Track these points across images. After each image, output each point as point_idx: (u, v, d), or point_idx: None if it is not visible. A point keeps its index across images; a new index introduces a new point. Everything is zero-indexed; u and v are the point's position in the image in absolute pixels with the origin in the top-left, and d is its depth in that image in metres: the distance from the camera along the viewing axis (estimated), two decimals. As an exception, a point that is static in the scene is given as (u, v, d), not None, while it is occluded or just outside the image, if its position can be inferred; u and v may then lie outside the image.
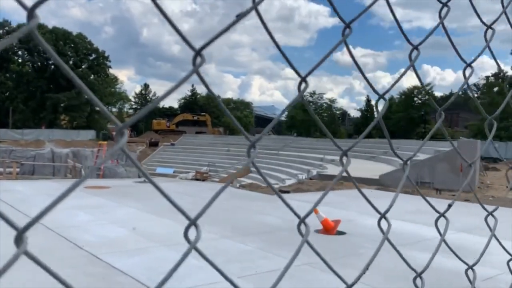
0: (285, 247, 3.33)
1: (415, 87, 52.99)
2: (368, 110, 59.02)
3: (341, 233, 7.28)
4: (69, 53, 60.54)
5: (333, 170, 20.28)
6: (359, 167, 16.80)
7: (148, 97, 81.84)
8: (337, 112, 67.16)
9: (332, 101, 64.82)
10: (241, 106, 76.43)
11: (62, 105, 55.51)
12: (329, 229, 7.38)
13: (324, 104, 65.60)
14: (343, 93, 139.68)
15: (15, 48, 63.93)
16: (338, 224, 7.40)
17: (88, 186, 10.53)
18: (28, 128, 47.18)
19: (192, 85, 70.87)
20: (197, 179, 24.04)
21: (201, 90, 70.75)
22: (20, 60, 62.67)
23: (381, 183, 16.09)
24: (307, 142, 37.61)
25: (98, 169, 22.43)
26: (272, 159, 29.74)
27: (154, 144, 46.54)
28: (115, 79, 73.50)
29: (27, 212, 2.55)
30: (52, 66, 57.93)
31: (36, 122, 52.51)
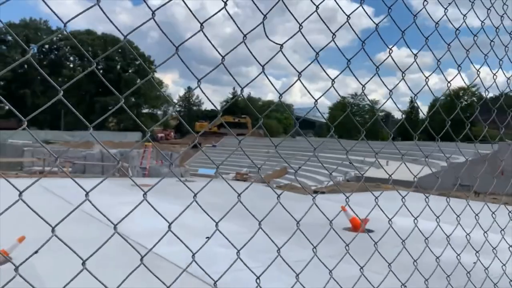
0: (311, 240, 3.64)
1: (460, 88, 51.14)
2: (411, 111, 57.57)
3: (369, 231, 7.49)
4: (116, 58, 63.24)
5: (372, 172, 20.15)
6: (399, 169, 16.61)
7: (191, 100, 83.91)
8: (380, 113, 66.00)
9: (375, 102, 63.75)
10: (281, 108, 76.72)
11: (110, 108, 58.11)
12: (357, 226, 7.59)
13: (366, 106, 64.56)
14: (387, 94, 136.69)
15: (67, 54, 67.55)
16: (366, 222, 7.59)
17: (134, 184, 11.26)
18: (79, 130, 49.78)
19: (233, 88, 71.93)
20: (237, 180, 24.59)
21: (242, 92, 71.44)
22: (71, 66, 66.13)
23: (418, 186, 15.96)
24: (347, 144, 37.30)
25: (144, 168, 23.52)
26: (311, 161, 29.84)
27: (196, 146, 47.75)
28: (160, 83, 75.92)
29: (81, 206, 3.01)
30: (101, 71, 60.68)
31: (87, 123, 54.99)
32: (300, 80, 2.46)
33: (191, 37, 2.16)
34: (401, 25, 2.82)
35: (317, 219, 3.64)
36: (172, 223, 2.12)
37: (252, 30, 2.25)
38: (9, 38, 59.61)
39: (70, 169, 23.17)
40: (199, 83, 2.06)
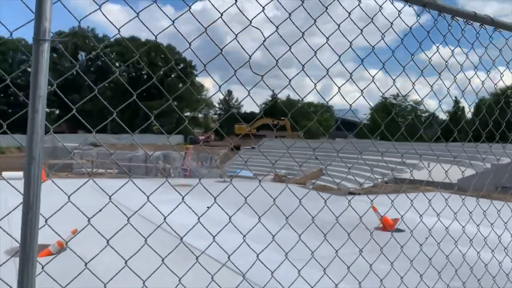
0: (337, 239, 3.82)
1: (508, 87, 48.66)
2: (456, 112, 55.51)
3: (399, 230, 7.56)
4: (160, 63, 65.21)
5: (413, 174, 19.76)
6: (441, 171, 16.22)
7: (231, 103, 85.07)
8: (423, 114, 64.06)
9: (418, 103, 61.99)
10: (321, 110, 76.08)
11: (153, 112, 59.87)
12: (388, 226, 7.67)
13: (409, 107, 62.94)
14: (431, 94, 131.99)
15: (114, 60, 70.36)
16: (397, 222, 7.66)
17: (175, 184, 11.94)
18: (124, 133, 51.82)
19: (273, 90, 72.21)
20: (275, 181, 24.80)
21: (281, 95, 71.70)
22: (117, 71, 68.93)
23: (458, 188, 15.61)
24: (388, 146, 36.62)
25: (185, 170, 24.29)
26: (351, 163, 29.54)
27: (236, 148, 48.39)
28: (201, 87, 77.50)
29: (128, 204, 3.32)
30: (145, 76, 62.85)
31: (131, 128, 57.26)
32: (306, 75, 2.65)
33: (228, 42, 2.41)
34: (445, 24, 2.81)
35: (345, 218, 3.81)
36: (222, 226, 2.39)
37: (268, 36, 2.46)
38: (60, 46, 62.67)
39: (116, 170, 24.33)
40: (221, 87, 2.31)
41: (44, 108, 1.47)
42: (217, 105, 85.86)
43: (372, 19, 2.61)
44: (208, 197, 3.28)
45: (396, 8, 2.62)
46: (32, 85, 1.46)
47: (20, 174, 18.11)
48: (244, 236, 2.93)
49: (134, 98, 2.16)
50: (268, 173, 31.26)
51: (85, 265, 2.16)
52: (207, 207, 2.89)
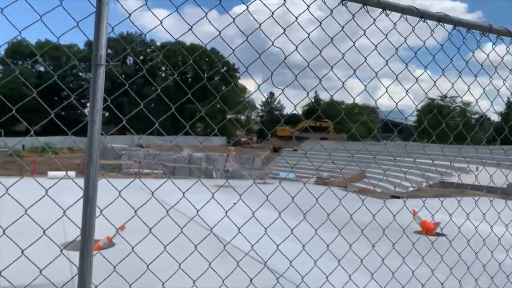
0: (374, 241, 3.76)
1: None
2: (508, 113, 52.67)
3: (440, 234, 7.40)
4: (204, 66, 66.48)
5: (460, 178, 18.97)
6: (489, 175, 15.48)
7: (273, 105, 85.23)
8: (473, 116, 61.24)
9: (467, 104, 59.31)
10: (366, 111, 74.53)
11: (197, 114, 61.12)
12: (428, 230, 7.50)
13: (457, 108, 60.51)
14: (483, 94, 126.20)
15: (160, 64, 72.49)
16: (437, 226, 7.47)
17: (216, 185, 12.23)
18: (169, 135, 53.23)
19: (315, 92, 71.60)
20: (318, 184, 24.61)
21: (324, 96, 71.03)
22: (163, 75, 70.85)
23: (507, 192, 14.97)
24: (436, 149, 35.36)
25: (227, 171, 24.67)
26: (397, 166, 28.76)
27: (277, 150, 48.43)
28: (244, 89, 78.21)
29: (171, 203, 3.45)
30: (190, 79, 64.29)
31: (176, 130, 59.00)
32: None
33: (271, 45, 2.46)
34: (499, 20, 2.75)
35: (384, 220, 3.74)
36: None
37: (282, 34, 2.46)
38: (109, 51, 65.64)
39: (161, 171, 25.13)
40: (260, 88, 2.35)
41: (100, 119, 1.75)
42: (259, 107, 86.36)
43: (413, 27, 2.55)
44: (249, 198, 3.33)
45: (410, 25, 2.55)
46: (91, 101, 1.73)
47: (70, 173, 19.06)
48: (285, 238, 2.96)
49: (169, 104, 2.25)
50: (311, 175, 31.05)
51: (132, 249, 2.27)
52: (233, 203, 2.94)
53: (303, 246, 3.19)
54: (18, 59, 65.42)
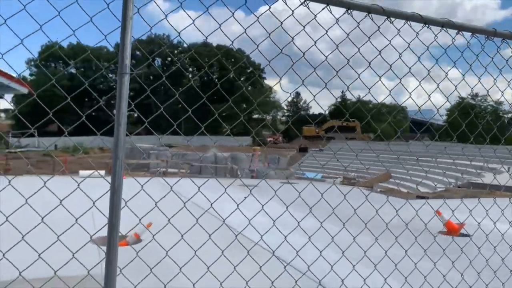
0: (406, 242, 3.74)
1: None
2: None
3: (465, 235, 7.30)
4: (230, 67, 66.83)
5: (490, 179, 18.44)
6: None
7: (299, 105, 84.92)
8: (506, 115, 59.17)
9: (499, 103, 57.37)
10: (394, 111, 73.25)
11: (223, 114, 61.73)
12: (452, 231, 7.39)
13: (489, 107, 58.66)
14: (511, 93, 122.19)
15: (187, 65, 73.43)
16: (462, 227, 7.35)
17: (242, 184, 12.32)
18: (196, 135, 53.87)
19: (342, 91, 70.92)
20: (344, 184, 24.39)
21: (351, 95, 70.05)
22: (190, 76, 71.67)
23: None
24: (467, 149, 34.44)
25: (252, 171, 24.80)
26: (426, 166, 28.19)
27: (303, 150, 48.24)
28: (269, 89, 78.24)
29: (196, 201, 3.52)
30: (216, 80, 64.79)
31: (202, 130, 59.37)
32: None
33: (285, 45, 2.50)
34: None
35: (415, 223, 3.73)
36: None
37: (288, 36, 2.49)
38: (137, 53, 66.98)
39: (188, 170, 25.56)
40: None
41: (125, 121, 1.96)
42: (285, 107, 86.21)
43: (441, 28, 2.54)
44: (271, 195, 3.37)
45: (414, 31, 2.53)
46: (117, 105, 1.94)
47: (100, 172, 19.60)
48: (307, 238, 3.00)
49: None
50: (338, 175, 30.83)
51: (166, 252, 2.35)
52: (245, 197, 2.99)
53: (341, 252, 3.22)
54: (50, 62, 67.59)
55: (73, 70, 68.88)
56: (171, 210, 2.76)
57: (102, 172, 19.59)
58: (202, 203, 2.97)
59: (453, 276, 3.87)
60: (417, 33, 2.56)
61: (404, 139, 46.89)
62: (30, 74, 64.56)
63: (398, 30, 2.55)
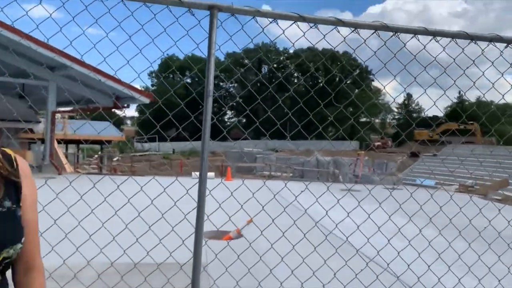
0: (497, 248, 3.50)
1: None
2: None
3: None
4: (336, 71, 66.11)
5: None
6: None
7: (410, 107, 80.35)
8: None
9: None
10: (521, 112, 65.32)
11: (329, 119, 61.01)
12: None
13: None
14: None
15: (292, 71, 74.38)
16: None
17: (343, 189, 12.29)
18: (301, 139, 54.16)
19: (459, 92, 65.36)
20: (460, 192, 22.56)
21: (469, 95, 64.22)
22: (295, 81, 72.50)
23: None
24: None
25: (356, 176, 24.23)
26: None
27: (414, 155, 45.56)
28: (378, 91, 75.39)
29: (296, 203, 3.71)
30: (321, 84, 64.56)
31: (308, 134, 59.56)
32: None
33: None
34: None
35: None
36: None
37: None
38: (246, 61, 69.82)
39: (291, 174, 26.02)
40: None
41: (209, 131, 2.43)
42: (395, 110, 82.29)
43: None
44: (371, 200, 3.41)
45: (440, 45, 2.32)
46: (204, 119, 2.41)
47: (211, 174, 20.94)
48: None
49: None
50: (453, 182, 28.60)
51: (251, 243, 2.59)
52: (337, 199, 3.03)
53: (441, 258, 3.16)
54: (169, 73, 73.78)
55: (189, 80, 74.33)
56: (270, 209, 2.98)
57: (212, 174, 20.89)
58: (300, 205, 3.14)
59: None
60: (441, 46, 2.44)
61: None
62: (152, 85, 71.28)
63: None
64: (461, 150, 43.64)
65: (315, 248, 2.93)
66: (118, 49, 2.28)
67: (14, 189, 1.19)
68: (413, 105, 79.95)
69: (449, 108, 69.53)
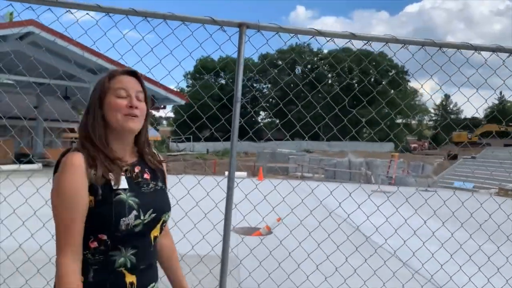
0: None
1: None
2: None
3: None
4: (371, 71, 65.06)
5: None
6: None
7: (448, 108, 78.02)
8: None
9: None
10: None
11: (363, 119, 60.13)
12: None
13: None
14: None
15: (326, 71, 73.83)
16: None
17: (376, 190, 12.33)
18: (335, 140, 53.67)
19: (500, 92, 62.90)
20: (499, 196, 21.80)
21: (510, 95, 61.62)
22: (329, 81, 71.93)
23: None
24: None
25: (390, 178, 23.89)
26: None
27: (453, 157, 44.25)
28: (414, 92, 73.55)
29: (325, 204, 3.82)
30: (356, 85, 63.65)
31: (342, 135, 58.93)
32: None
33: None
34: None
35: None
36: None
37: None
38: (279, 62, 69.85)
39: (322, 175, 25.99)
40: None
41: (237, 133, 2.66)
42: (432, 111, 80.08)
43: None
44: (402, 201, 3.50)
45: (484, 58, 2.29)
46: (233, 122, 2.62)
47: (243, 174, 21.21)
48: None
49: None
50: (493, 186, 27.66)
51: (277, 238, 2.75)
52: (369, 198, 3.14)
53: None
54: (203, 74, 74.83)
55: (223, 81, 75.12)
56: (299, 209, 3.15)
57: (244, 173, 21.18)
58: (330, 206, 3.29)
59: None
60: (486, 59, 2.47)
61: None
62: (187, 86, 72.50)
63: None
64: (501, 152, 41.97)
65: (337, 247, 3.07)
66: (162, 61, 2.70)
67: (161, 174, 1.66)
68: (451, 106, 77.62)
69: (489, 110, 67.03)
